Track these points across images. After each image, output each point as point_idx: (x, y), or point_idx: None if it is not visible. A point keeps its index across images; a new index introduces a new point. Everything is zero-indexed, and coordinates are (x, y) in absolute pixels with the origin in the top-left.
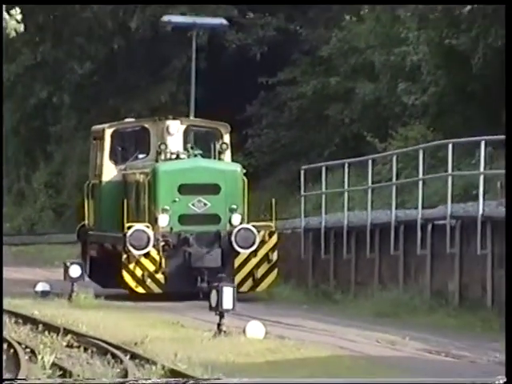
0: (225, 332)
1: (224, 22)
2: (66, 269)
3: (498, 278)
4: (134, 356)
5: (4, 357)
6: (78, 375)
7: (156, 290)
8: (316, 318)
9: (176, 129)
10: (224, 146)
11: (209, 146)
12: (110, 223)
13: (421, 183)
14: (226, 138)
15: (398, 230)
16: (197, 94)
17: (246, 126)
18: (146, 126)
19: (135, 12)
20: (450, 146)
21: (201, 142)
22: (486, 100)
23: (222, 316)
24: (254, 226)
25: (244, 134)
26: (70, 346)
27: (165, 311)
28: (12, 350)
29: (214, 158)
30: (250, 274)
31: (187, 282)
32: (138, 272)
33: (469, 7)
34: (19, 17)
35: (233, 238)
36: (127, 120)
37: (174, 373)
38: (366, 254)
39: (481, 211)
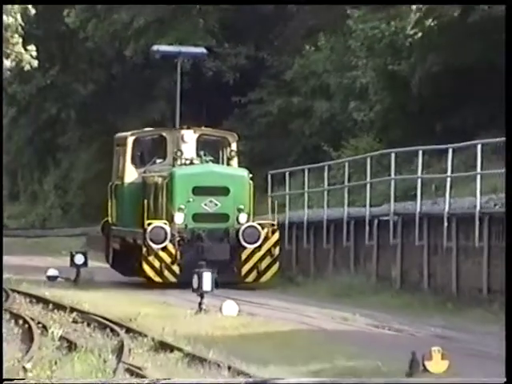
0: (204, 310)
1: (204, 51)
2: (72, 257)
3: (432, 265)
4: (128, 330)
5: (19, 330)
6: (82, 347)
7: (172, 279)
8: (281, 299)
9: (190, 137)
10: (232, 154)
11: (218, 153)
12: (131, 220)
13: (368, 186)
14: (234, 146)
15: (349, 224)
16: (181, 111)
17: None
18: (164, 134)
19: (130, 42)
20: (393, 154)
21: (211, 149)
22: (422, 116)
23: (202, 296)
24: (258, 223)
25: None
26: (75, 321)
27: (154, 293)
28: (27, 326)
29: (223, 164)
30: (255, 266)
31: None
32: (157, 263)
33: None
34: (34, 53)
35: (240, 235)
36: (146, 129)
37: (162, 344)
38: (323, 245)
39: (418, 209)
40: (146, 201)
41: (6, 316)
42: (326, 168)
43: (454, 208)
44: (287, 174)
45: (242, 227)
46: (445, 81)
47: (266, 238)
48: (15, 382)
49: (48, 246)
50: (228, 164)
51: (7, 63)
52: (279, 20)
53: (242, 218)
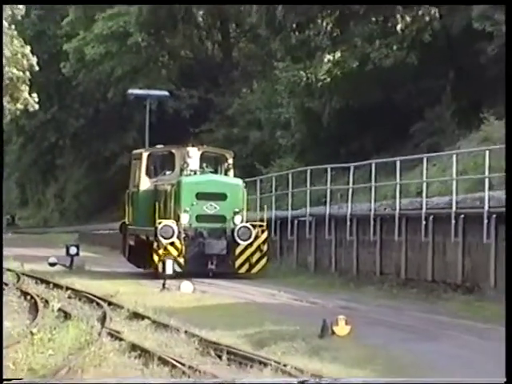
0: (167, 288)
1: (167, 94)
2: (67, 248)
3: (338, 254)
4: (109, 303)
5: (28, 304)
6: (73, 313)
7: (177, 269)
8: (226, 280)
9: (194, 153)
10: (229, 167)
11: (217, 166)
12: (144, 220)
13: (290, 194)
14: (230, 161)
15: (276, 223)
16: (150, 139)
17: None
18: (173, 151)
19: (111, 87)
20: (308, 171)
21: (211, 163)
22: (330, 142)
23: (165, 277)
24: (251, 224)
25: None
26: (69, 297)
27: (129, 276)
28: (33, 300)
29: (222, 174)
30: (247, 260)
31: (201, 264)
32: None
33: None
34: (36, 99)
35: (235, 233)
36: (158, 146)
37: (135, 314)
38: None
39: (328, 211)
40: (157, 204)
41: (17, 293)
42: (259, 181)
43: (354, 211)
44: None
45: (237, 227)
46: (347, 115)
47: (257, 237)
48: (15, 381)
49: (49, 240)
50: (226, 175)
51: (18, 105)
52: (224, 69)
53: (237, 219)
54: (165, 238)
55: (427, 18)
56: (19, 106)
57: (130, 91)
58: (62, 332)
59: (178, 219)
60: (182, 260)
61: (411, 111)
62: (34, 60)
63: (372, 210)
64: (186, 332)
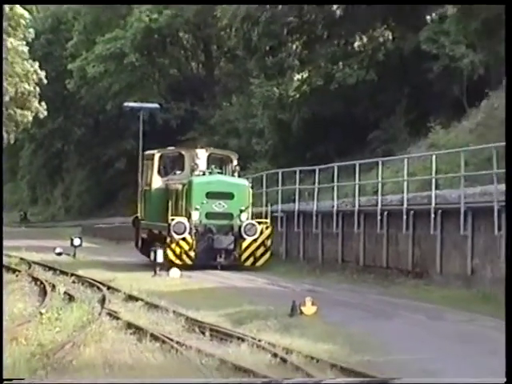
0: (158, 274)
1: (157, 106)
2: (72, 240)
3: (306, 244)
4: (108, 287)
5: (38, 288)
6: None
7: (189, 262)
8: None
9: (202, 155)
10: (237, 168)
11: (222, 167)
12: (156, 216)
13: (264, 193)
14: (235, 162)
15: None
16: (143, 145)
17: None
18: (182, 152)
19: (109, 100)
20: (280, 172)
21: (217, 164)
22: (298, 148)
23: (156, 264)
24: (257, 221)
25: None
26: (73, 282)
27: (126, 264)
28: (42, 285)
29: (228, 175)
30: (252, 254)
31: (210, 258)
32: (177, 250)
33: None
34: (45, 106)
35: (242, 229)
36: (169, 148)
37: (130, 296)
38: None
39: (297, 208)
40: (169, 202)
41: (28, 278)
42: None
43: (319, 207)
44: None
45: (244, 223)
46: (313, 125)
47: (261, 233)
48: (15, 381)
49: (56, 233)
50: (233, 175)
51: (29, 116)
52: (207, 85)
53: (243, 216)
54: (177, 234)
55: (381, 39)
56: (30, 114)
57: (126, 104)
58: (67, 312)
59: (189, 216)
60: (192, 254)
61: (369, 121)
62: (42, 74)
63: (335, 207)
64: (174, 312)
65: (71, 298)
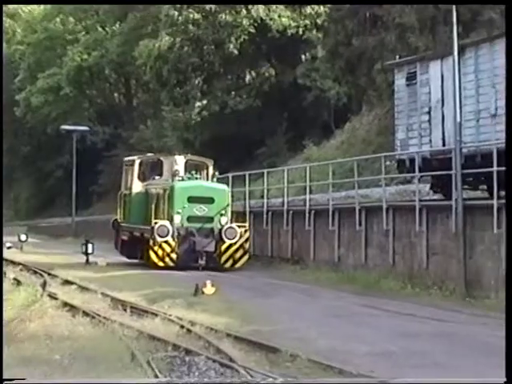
0: (89, 263)
1: (87, 129)
2: (19, 236)
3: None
4: (49, 274)
5: None
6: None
7: (171, 264)
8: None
9: (180, 161)
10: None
11: (198, 172)
12: (137, 218)
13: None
14: (211, 169)
15: None
16: (76, 161)
17: (97, 174)
18: (161, 158)
19: (48, 124)
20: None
21: (194, 170)
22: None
23: (87, 255)
24: (237, 225)
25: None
26: (21, 270)
27: (63, 255)
28: None
29: (205, 180)
30: (231, 256)
31: (191, 260)
32: (160, 252)
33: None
34: None
35: (223, 232)
36: (148, 154)
37: (66, 281)
38: None
39: (248, 208)
40: (152, 205)
41: None
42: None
43: (270, 205)
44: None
45: (225, 227)
46: (212, 143)
47: (241, 236)
48: (15, 381)
49: (7, 232)
50: (212, 181)
51: None
52: (127, 112)
53: (223, 220)
54: (161, 237)
55: (266, 74)
56: None
57: (62, 127)
58: (15, 293)
59: (171, 219)
60: (174, 256)
61: (256, 140)
62: None
63: (285, 205)
64: (101, 293)
65: (19, 283)
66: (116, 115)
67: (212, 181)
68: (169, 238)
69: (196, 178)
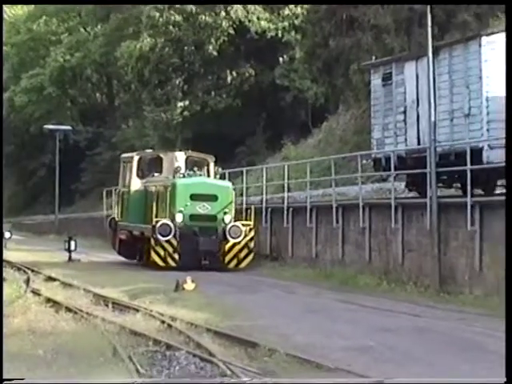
0: (72, 260)
1: (70, 128)
2: (2, 233)
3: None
4: (33, 271)
5: None
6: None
7: (173, 264)
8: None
9: (181, 158)
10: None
11: (199, 169)
12: (136, 217)
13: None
14: (211, 165)
15: None
16: (59, 159)
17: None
18: (161, 155)
19: (32, 124)
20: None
21: (195, 166)
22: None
23: (70, 252)
24: (241, 223)
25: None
26: (4, 266)
27: (46, 251)
28: None
29: (207, 177)
30: (236, 255)
31: (194, 260)
32: (162, 252)
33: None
34: None
35: (227, 231)
36: (147, 151)
37: (49, 278)
38: None
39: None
40: (152, 203)
41: None
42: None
43: (249, 203)
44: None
45: (229, 225)
46: (193, 142)
47: (245, 235)
48: (15, 381)
49: None
50: (215, 178)
51: None
52: (109, 112)
53: (227, 218)
54: (162, 236)
55: (246, 75)
56: None
57: (46, 126)
58: None
59: (172, 218)
60: (176, 256)
61: (236, 139)
62: None
63: (264, 203)
64: (84, 289)
65: (3, 279)
66: (98, 115)
67: (214, 177)
68: (171, 238)
69: (199, 175)
